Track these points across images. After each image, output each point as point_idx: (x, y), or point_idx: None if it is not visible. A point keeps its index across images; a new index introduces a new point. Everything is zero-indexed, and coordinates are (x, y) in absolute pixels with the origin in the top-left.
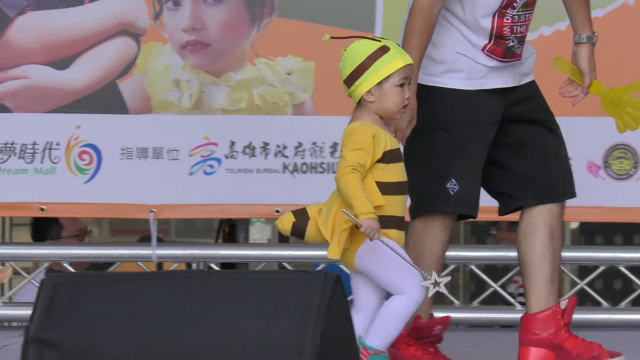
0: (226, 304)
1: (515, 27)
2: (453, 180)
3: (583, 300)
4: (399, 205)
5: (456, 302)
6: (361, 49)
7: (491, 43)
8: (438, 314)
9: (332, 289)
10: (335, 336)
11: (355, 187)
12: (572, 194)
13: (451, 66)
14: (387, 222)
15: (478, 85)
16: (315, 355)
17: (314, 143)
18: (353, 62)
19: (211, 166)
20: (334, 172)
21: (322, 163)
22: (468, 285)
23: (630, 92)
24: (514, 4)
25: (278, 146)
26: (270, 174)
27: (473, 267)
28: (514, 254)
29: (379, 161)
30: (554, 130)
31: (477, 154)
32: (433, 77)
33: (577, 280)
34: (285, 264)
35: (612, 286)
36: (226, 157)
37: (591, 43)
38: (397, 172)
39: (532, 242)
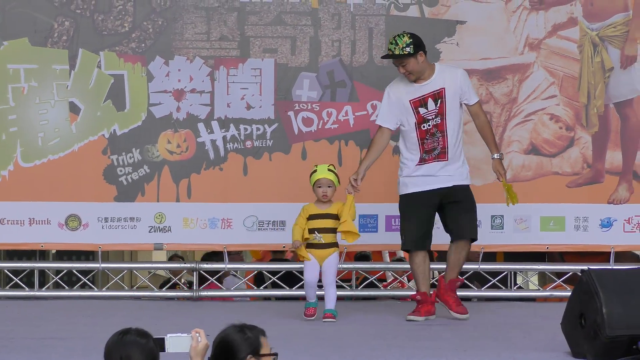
0: None
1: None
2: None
3: None
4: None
5: None
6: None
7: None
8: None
9: None
10: None
11: (296, 232)
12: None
13: None
14: (309, 245)
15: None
16: None
17: None
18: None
19: None
20: None
21: None
22: None
23: (509, 187)
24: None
25: None
26: None
27: None
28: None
29: (307, 219)
30: None
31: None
32: None
33: None
34: None
35: None
36: None
37: (499, 159)
38: (315, 225)
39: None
